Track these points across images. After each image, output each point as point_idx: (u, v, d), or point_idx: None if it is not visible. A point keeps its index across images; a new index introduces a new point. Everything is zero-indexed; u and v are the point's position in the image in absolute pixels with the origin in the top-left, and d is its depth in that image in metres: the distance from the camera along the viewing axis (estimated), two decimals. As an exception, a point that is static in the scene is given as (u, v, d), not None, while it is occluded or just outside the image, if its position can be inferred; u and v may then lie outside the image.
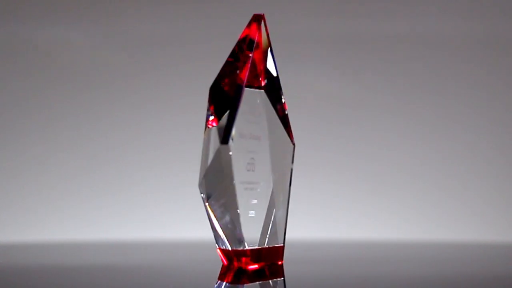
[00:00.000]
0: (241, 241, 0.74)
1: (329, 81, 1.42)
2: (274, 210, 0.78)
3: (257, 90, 0.77)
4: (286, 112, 0.79)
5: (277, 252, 0.78)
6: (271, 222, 0.77)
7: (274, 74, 0.79)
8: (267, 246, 0.77)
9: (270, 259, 0.77)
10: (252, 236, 0.75)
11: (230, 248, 0.75)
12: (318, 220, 1.39)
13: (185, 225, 1.34)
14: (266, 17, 0.77)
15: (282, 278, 0.74)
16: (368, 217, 1.39)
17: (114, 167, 1.40)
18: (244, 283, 0.71)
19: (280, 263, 0.78)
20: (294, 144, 0.79)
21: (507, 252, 1.06)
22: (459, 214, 1.40)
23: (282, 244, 0.78)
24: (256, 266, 0.76)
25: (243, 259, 0.75)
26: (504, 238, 1.36)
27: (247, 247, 0.75)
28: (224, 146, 0.74)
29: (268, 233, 0.77)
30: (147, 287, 0.71)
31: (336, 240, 1.28)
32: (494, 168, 1.41)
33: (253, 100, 0.76)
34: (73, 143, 1.40)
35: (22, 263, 0.91)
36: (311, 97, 1.41)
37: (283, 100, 0.79)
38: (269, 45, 0.78)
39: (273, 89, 0.79)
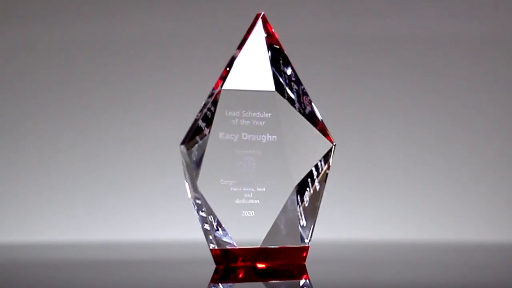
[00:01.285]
0: (213, 239, 0.74)
1: (329, 81, 1.42)
2: (294, 210, 0.76)
3: (266, 91, 0.76)
4: (317, 113, 0.77)
5: (294, 253, 0.76)
6: (285, 222, 0.75)
7: (289, 74, 0.77)
8: (275, 246, 0.75)
9: (283, 259, 0.75)
10: (246, 235, 0.74)
11: (213, 247, 0.75)
12: (319, 221, 1.39)
13: (184, 225, 1.34)
14: (267, 17, 0.77)
15: (302, 280, 0.72)
16: (367, 217, 1.39)
17: (114, 167, 1.40)
18: (233, 283, 0.70)
19: (302, 263, 0.76)
20: (333, 144, 0.77)
21: (507, 252, 1.06)
22: (459, 214, 1.40)
23: (304, 245, 0.76)
24: (243, 265, 0.75)
25: (233, 258, 0.74)
26: (504, 238, 1.36)
27: (236, 246, 0.74)
28: (181, 146, 0.74)
29: (281, 233, 0.75)
30: (145, 286, 0.71)
31: (336, 240, 1.28)
32: (494, 168, 1.41)
33: (255, 101, 0.75)
34: (73, 143, 1.40)
35: (22, 263, 0.91)
36: (310, 97, 1.41)
37: (309, 101, 0.77)
38: (278, 45, 0.77)
39: (295, 89, 0.77)
